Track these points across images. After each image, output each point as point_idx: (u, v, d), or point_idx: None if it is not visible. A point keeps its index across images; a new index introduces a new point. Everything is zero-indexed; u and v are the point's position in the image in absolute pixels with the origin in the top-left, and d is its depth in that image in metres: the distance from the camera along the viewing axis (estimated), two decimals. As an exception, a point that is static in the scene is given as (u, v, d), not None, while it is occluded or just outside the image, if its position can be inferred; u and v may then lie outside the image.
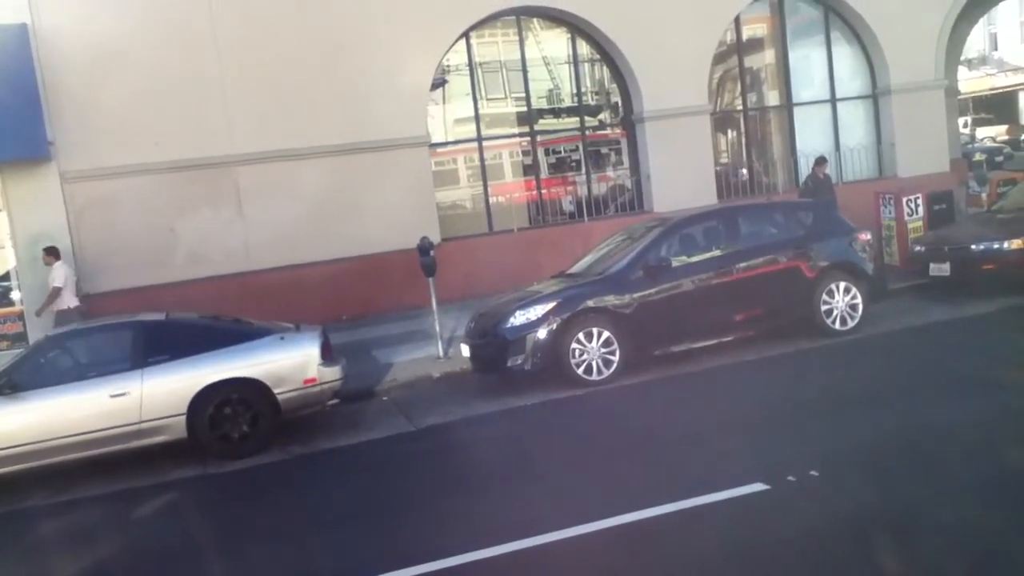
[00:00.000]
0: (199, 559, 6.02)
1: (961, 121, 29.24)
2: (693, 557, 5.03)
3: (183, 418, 8.33)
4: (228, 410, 8.44)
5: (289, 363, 8.67)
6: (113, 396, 8.19)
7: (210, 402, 8.37)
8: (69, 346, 8.96)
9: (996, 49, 39.51)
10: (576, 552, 5.28)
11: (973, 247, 11.43)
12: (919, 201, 13.41)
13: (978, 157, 25.31)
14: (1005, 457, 5.94)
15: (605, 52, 16.13)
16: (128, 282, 12.84)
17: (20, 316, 12.50)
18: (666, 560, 5.06)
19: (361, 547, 5.84)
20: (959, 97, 23.69)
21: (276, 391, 8.54)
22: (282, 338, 8.88)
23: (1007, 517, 5.06)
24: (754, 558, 4.91)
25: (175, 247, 13.27)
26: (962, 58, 23.99)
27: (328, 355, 8.94)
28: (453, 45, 15.02)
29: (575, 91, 16.55)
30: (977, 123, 37.38)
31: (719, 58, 16.97)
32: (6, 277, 12.84)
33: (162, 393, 8.29)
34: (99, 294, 12.76)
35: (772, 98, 17.99)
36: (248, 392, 8.50)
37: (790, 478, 5.92)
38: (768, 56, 17.91)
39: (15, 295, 12.71)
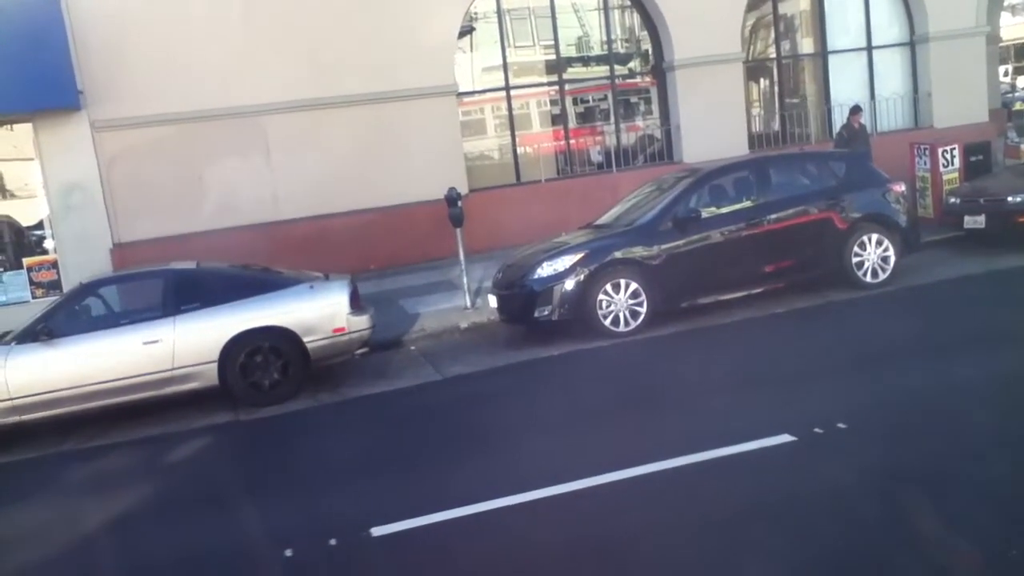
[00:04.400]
0: (229, 503, 6.15)
1: (1002, 69, 28.43)
2: (717, 507, 5.05)
3: (215, 365, 8.46)
4: (259, 358, 8.56)
5: (318, 312, 8.75)
6: (146, 343, 8.33)
7: (241, 350, 8.49)
8: (103, 294, 9.10)
9: (1041, -6, 38.18)
10: (601, 501, 5.32)
11: (1010, 199, 11.19)
12: (955, 152, 13.13)
13: (1019, 106, 24.63)
14: (1036, 411, 5.89)
15: (636, -2, 15.84)
16: (158, 231, 12.95)
17: (54, 264, 12.68)
18: (689, 510, 5.09)
19: (388, 493, 5.93)
20: (1000, 44, 22.98)
21: (306, 339, 8.64)
22: (311, 287, 8.95)
23: (1037, 471, 5.03)
24: (778, 508, 4.92)
25: (205, 196, 13.31)
26: (1005, 3, 23.24)
27: (357, 304, 9.00)
28: (481, -9, 14.83)
29: (605, 39, 16.26)
30: (1019, 71, 36.32)
31: (752, 4, 16.56)
32: (39, 226, 12.99)
33: (194, 341, 8.41)
34: (130, 243, 12.90)
35: (806, 46, 17.58)
36: (278, 340, 8.60)
37: (817, 430, 5.91)
38: (803, 2, 17.46)
39: (48, 244, 12.87)
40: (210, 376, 8.50)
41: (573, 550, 4.81)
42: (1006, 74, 32.90)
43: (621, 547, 4.74)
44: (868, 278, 10.06)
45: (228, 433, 8.06)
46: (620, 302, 9.40)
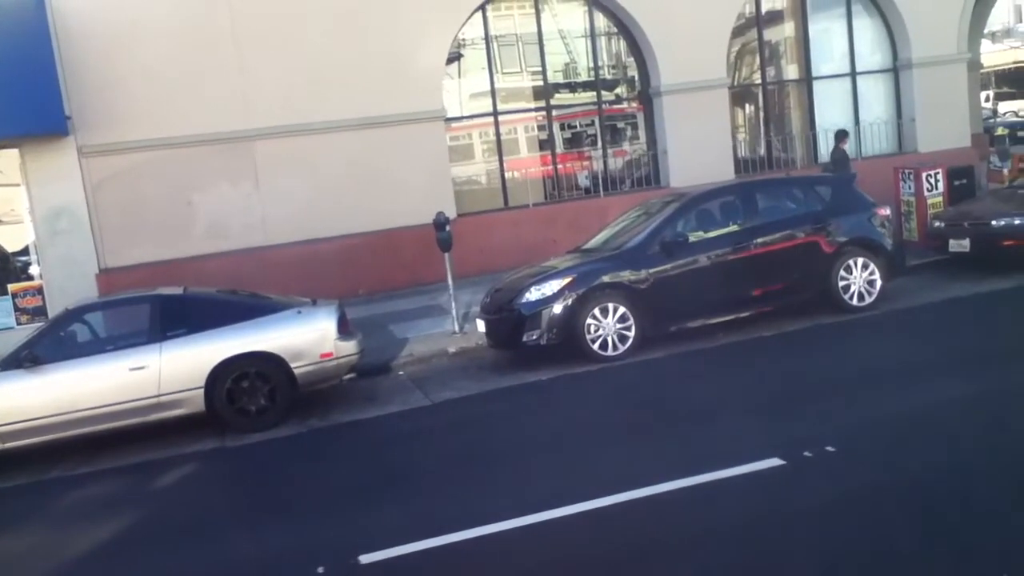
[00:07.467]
0: (217, 531, 6.10)
1: (983, 95, 28.82)
2: (706, 531, 5.04)
3: (201, 391, 8.41)
4: (246, 384, 8.51)
5: (306, 337, 8.72)
6: (132, 369, 8.27)
7: (228, 376, 8.45)
8: (88, 320, 9.05)
9: (1021, 21, 38.83)
10: (592, 525, 5.30)
11: (994, 223, 11.30)
12: (939, 176, 13.25)
13: (1000, 132, 24.96)
14: (1022, 433, 5.91)
15: (622, 25, 15.97)
16: (146, 256, 12.90)
17: (40, 290, 12.59)
18: (679, 534, 5.07)
19: (377, 520, 5.89)
20: (982, 71, 23.29)
21: (293, 365, 8.60)
22: (299, 312, 8.92)
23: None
24: (767, 533, 4.92)
25: (193, 222, 13.30)
26: (985, 31, 23.59)
27: (345, 329, 8.98)
28: (469, 18, 14.91)
29: (592, 65, 16.38)
30: (1000, 97, 36.81)
31: (738, 31, 16.76)
32: (25, 251, 12.92)
33: (180, 367, 8.36)
34: (117, 268, 12.84)
35: (791, 72, 17.76)
36: (265, 366, 8.56)
37: (806, 454, 5.92)
38: (788, 29, 17.67)
39: (34, 269, 12.79)
40: (197, 402, 8.44)
41: (563, 574, 4.79)
42: (987, 100, 33.33)
43: (610, 572, 4.71)
44: (854, 301, 10.11)
45: (215, 460, 7.99)
46: (608, 326, 9.41)
